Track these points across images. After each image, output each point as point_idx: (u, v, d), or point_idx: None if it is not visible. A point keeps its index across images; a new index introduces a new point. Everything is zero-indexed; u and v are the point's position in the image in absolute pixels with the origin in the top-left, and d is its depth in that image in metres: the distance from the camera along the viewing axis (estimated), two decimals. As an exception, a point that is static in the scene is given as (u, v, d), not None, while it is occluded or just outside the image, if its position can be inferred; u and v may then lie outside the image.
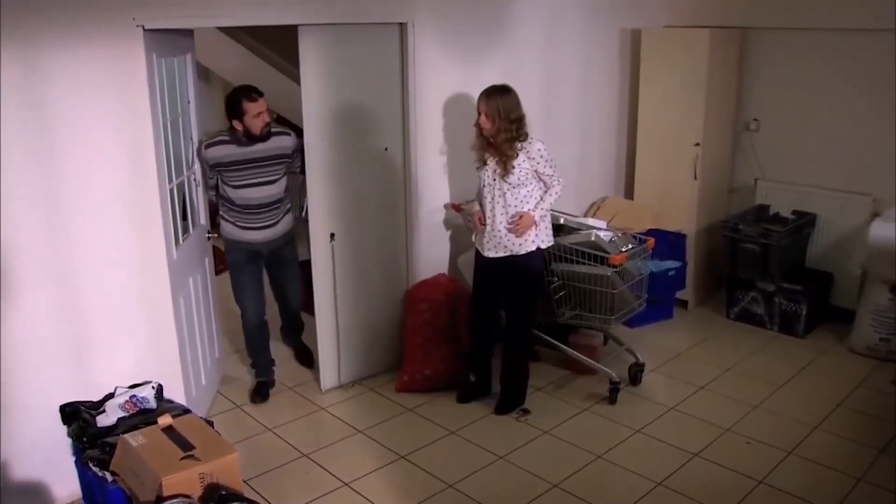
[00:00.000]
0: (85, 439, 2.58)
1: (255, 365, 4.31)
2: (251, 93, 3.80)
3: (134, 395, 2.70)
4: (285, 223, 4.11)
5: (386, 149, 4.21)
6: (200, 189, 4.05)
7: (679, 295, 5.31)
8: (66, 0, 2.95)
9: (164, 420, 2.53)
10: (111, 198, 3.24)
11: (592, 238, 4.08)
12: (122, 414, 2.66)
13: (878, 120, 4.80)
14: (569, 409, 4.09)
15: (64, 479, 3.04)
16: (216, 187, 4.00)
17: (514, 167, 3.69)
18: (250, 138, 3.83)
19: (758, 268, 4.98)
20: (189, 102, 3.93)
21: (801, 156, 5.19)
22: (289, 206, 4.14)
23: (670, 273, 4.97)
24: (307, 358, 4.56)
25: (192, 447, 2.39)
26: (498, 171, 3.73)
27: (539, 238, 3.83)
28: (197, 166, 3.97)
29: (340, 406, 4.18)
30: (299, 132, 4.04)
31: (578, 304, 4.23)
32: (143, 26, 3.15)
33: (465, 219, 4.38)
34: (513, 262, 3.84)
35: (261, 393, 4.25)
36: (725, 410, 4.05)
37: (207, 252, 4.25)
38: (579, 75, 5.07)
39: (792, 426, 3.89)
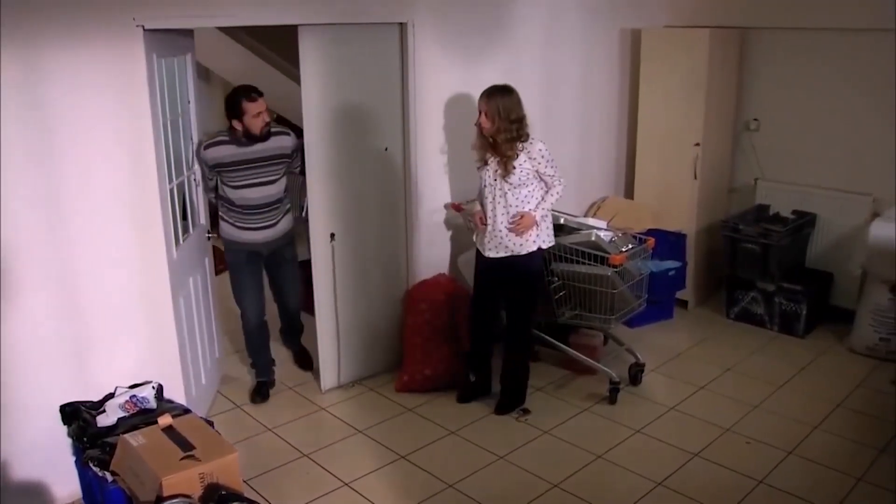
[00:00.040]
0: (85, 439, 2.59)
1: (255, 365, 4.31)
2: (251, 93, 3.80)
3: (134, 395, 2.70)
4: (285, 223, 4.10)
5: (386, 149, 4.21)
6: (200, 189, 4.05)
7: (679, 295, 5.31)
8: (66, 0, 2.95)
9: (165, 420, 2.53)
10: (111, 198, 3.24)
11: (592, 238, 4.08)
12: (122, 414, 2.66)
13: (878, 120, 4.80)
14: (569, 409, 4.09)
15: (64, 479, 3.04)
16: (215, 189, 3.99)
17: (514, 167, 3.69)
18: (250, 138, 3.83)
19: (758, 268, 4.98)
20: (189, 102, 3.93)
21: (801, 156, 5.19)
22: (288, 206, 4.14)
23: (670, 273, 4.97)
24: (306, 361, 4.55)
25: (192, 447, 2.39)
26: (499, 171, 3.73)
27: (540, 238, 3.83)
28: (197, 167, 3.97)
29: (340, 406, 4.18)
30: (299, 132, 4.04)
31: (578, 304, 4.23)
32: (143, 26, 3.15)
33: (465, 219, 4.39)
34: (514, 263, 3.84)
35: (261, 393, 4.25)
36: (725, 410, 4.05)
37: (207, 252, 4.25)
38: (579, 75, 5.07)
39: (792, 426, 3.89)
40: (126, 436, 2.45)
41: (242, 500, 2.31)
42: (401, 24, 4.06)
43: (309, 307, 4.31)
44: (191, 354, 3.80)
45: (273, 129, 3.93)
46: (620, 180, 5.63)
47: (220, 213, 4.03)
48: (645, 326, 5.01)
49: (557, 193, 3.80)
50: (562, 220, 4.25)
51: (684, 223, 5.23)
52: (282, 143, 3.95)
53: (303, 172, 4.12)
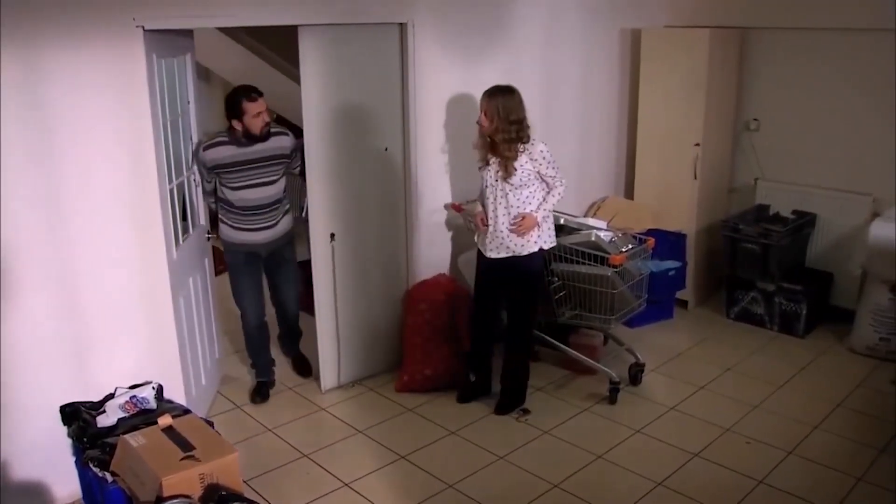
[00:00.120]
0: (85, 439, 2.59)
1: (256, 365, 4.31)
2: (251, 92, 3.79)
3: (134, 396, 2.70)
4: (285, 224, 4.10)
5: (386, 149, 4.21)
6: (200, 190, 4.04)
7: (679, 295, 5.31)
8: (66, 0, 2.95)
9: (165, 420, 2.53)
10: (111, 198, 3.24)
11: (592, 238, 4.08)
12: (122, 414, 2.66)
13: (878, 120, 4.80)
14: (569, 409, 4.09)
15: (64, 479, 3.05)
16: (214, 192, 3.97)
17: (516, 168, 3.69)
18: (250, 138, 3.83)
19: (758, 268, 4.98)
20: (189, 103, 3.93)
21: (801, 156, 5.19)
22: (288, 206, 4.14)
23: (670, 273, 4.97)
24: (305, 367, 4.49)
25: (192, 447, 2.39)
26: (500, 172, 3.73)
27: (541, 239, 3.83)
28: (195, 168, 3.95)
29: (340, 406, 4.18)
30: (299, 132, 4.03)
31: (578, 304, 4.23)
32: (143, 27, 3.15)
33: (465, 219, 4.39)
34: (515, 263, 3.84)
35: (261, 393, 4.25)
36: (725, 410, 4.05)
37: (207, 252, 4.25)
38: (579, 75, 5.07)
39: (792, 426, 3.89)
40: (126, 436, 2.45)
41: (242, 500, 2.31)
42: (401, 24, 4.06)
43: (309, 307, 4.31)
44: (191, 355, 3.80)
45: (272, 130, 3.92)
46: (620, 180, 5.63)
47: (219, 215, 4.02)
48: (645, 326, 5.01)
49: (559, 194, 3.80)
50: (562, 221, 4.25)
51: (684, 223, 5.22)
52: (281, 143, 3.95)
53: (302, 174, 4.11)
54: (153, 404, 2.72)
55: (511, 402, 4.08)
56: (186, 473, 2.30)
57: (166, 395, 2.85)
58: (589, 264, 4.03)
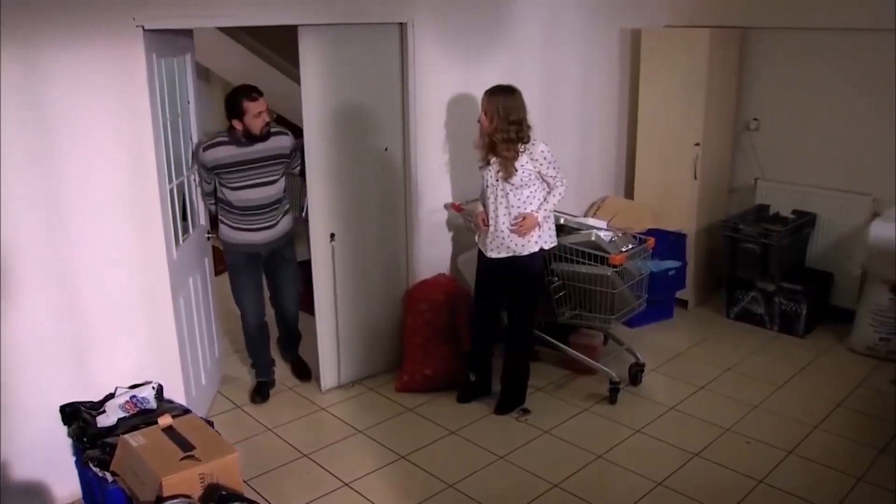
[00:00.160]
0: (85, 439, 2.59)
1: (256, 365, 4.31)
2: (251, 92, 3.79)
3: (134, 396, 2.70)
4: (285, 224, 4.10)
5: (386, 149, 4.21)
6: (199, 191, 4.04)
7: (679, 295, 5.31)
8: (66, 0, 2.95)
9: (165, 420, 2.53)
10: (111, 198, 3.24)
11: (592, 238, 4.08)
12: (122, 414, 2.66)
13: (878, 120, 4.80)
14: (569, 409, 4.09)
15: (64, 479, 3.05)
16: (214, 193, 3.96)
17: (516, 169, 3.69)
18: (250, 138, 3.82)
19: (758, 268, 4.98)
20: (189, 102, 3.93)
21: (801, 156, 5.19)
22: (288, 206, 4.13)
23: (670, 273, 4.97)
24: (304, 372, 4.45)
25: (192, 447, 2.39)
26: (500, 172, 3.73)
27: (542, 239, 3.83)
28: (195, 168, 3.95)
29: (340, 406, 4.18)
30: (299, 132, 4.03)
31: (578, 304, 4.23)
32: (143, 26, 3.15)
33: (465, 219, 4.39)
34: (515, 263, 3.84)
35: (261, 393, 4.24)
36: (725, 410, 4.05)
37: (207, 252, 4.24)
38: (579, 75, 5.07)
39: (792, 426, 3.89)
40: (126, 436, 2.45)
41: (242, 500, 2.31)
42: (401, 24, 4.05)
43: (309, 307, 4.30)
44: (191, 354, 3.80)
45: (272, 129, 3.92)
46: (620, 180, 5.63)
47: (219, 216, 4.01)
48: (645, 326, 5.01)
49: (560, 195, 3.79)
50: (562, 220, 4.25)
51: (684, 223, 5.22)
52: (281, 142, 3.95)
53: (302, 174, 4.11)
54: (153, 404, 2.72)
55: (511, 401, 4.08)
56: (186, 473, 2.30)
57: (166, 395, 2.85)
58: (589, 264, 4.03)
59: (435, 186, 4.43)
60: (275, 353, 4.49)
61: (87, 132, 3.10)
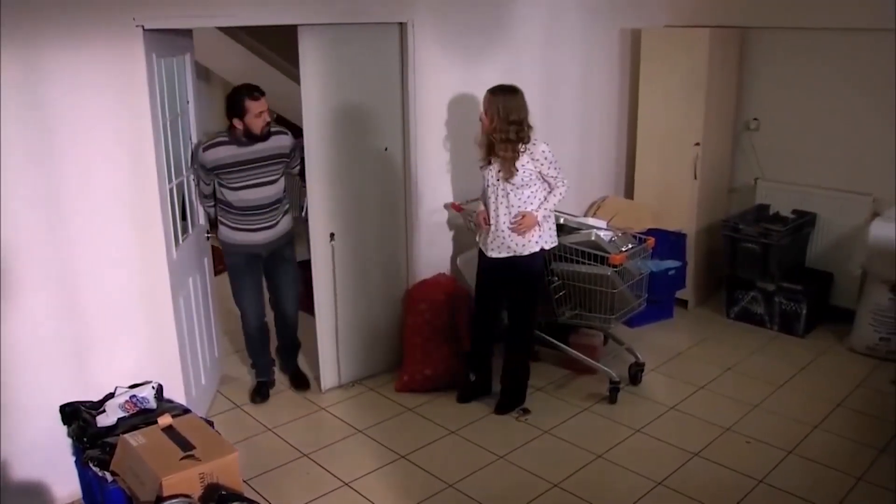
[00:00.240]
0: (85, 439, 2.59)
1: (256, 365, 4.30)
2: (253, 91, 3.77)
3: (134, 395, 2.70)
4: (285, 223, 4.09)
5: (386, 149, 4.21)
6: (196, 193, 4.02)
7: (679, 294, 5.31)
8: (66, 0, 2.95)
9: (164, 420, 2.53)
10: (111, 198, 3.24)
11: (592, 238, 4.08)
12: (122, 414, 2.66)
13: (878, 120, 4.80)
14: (569, 409, 4.09)
15: (64, 479, 3.05)
16: (213, 194, 3.94)
17: (517, 169, 3.69)
18: (250, 138, 3.81)
19: (758, 267, 4.98)
20: (188, 102, 3.93)
21: (801, 156, 5.19)
22: (287, 206, 4.13)
23: (670, 273, 4.97)
24: (303, 383, 4.37)
25: (192, 447, 2.39)
26: (501, 172, 3.73)
27: (542, 239, 3.83)
28: (194, 169, 3.94)
29: (340, 406, 4.18)
30: (299, 132, 4.03)
31: (578, 304, 4.23)
32: (142, 26, 3.15)
33: (465, 219, 4.39)
34: (516, 263, 3.84)
35: (261, 393, 4.24)
36: (725, 410, 4.05)
37: (207, 252, 4.25)
38: (579, 75, 5.07)
39: (792, 426, 3.89)
40: (126, 436, 2.45)
41: (242, 500, 2.31)
42: (401, 24, 4.06)
43: (309, 307, 4.30)
44: (191, 354, 3.80)
45: (272, 129, 3.91)
46: (620, 180, 5.63)
47: (218, 217, 4.00)
48: (645, 326, 5.01)
49: (560, 195, 3.79)
50: (562, 220, 4.25)
51: (684, 223, 5.23)
52: (280, 142, 3.94)
53: (301, 174, 4.11)
54: (153, 404, 2.72)
55: (511, 401, 4.08)
56: (186, 473, 2.30)
57: (166, 394, 2.85)
58: (589, 264, 4.03)
59: (435, 186, 4.43)
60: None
61: (87, 132, 3.10)
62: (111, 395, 2.74)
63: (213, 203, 3.99)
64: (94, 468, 2.48)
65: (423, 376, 4.24)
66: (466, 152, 4.20)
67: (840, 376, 4.40)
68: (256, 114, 3.76)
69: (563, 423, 3.95)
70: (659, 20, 5.36)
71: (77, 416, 2.68)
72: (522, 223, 3.74)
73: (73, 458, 2.70)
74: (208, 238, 4.22)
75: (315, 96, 3.89)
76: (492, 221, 3.83)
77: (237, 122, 3.80)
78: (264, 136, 3.84)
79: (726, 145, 5.42)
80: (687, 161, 5.13)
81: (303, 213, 4.18)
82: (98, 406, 2.70)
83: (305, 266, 4.22)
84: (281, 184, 4.01)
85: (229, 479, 2.38)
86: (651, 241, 4.19)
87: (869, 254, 4.56)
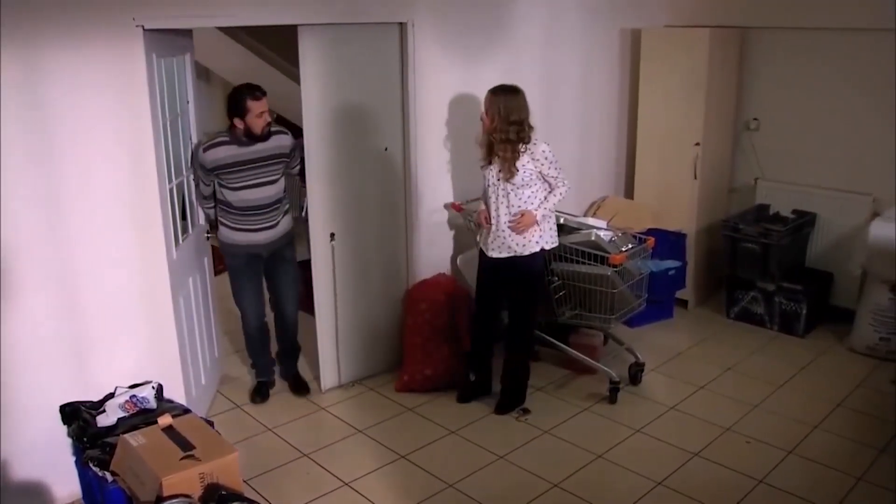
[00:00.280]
0: (85, 439, 2.59)
1: (256, 365, 4.30)
2: (255, 91, 3.75)
3: (134, 395, 2.70)
4: (285, 223, 4.08)
5: (386, 149, 4.21)
6: (197, 194, 4.02)
7: (679, 294, 5.31)
8: (66, 0, 2.95)
9: (164, 420, 2.53)
10: (111, 198, 3.24)
11: (592, 238, 4.08)
12: (122, 414, 2.66)
13: (878, 120, 4.80)
14: (569, 409, 4.09)
15: (64, 479, 3.04)
16: (213, 195, 3.93)
17: (517, 169, 3.69)
18: (251, 138, 3.81)
19: (758, 267, 4.98)
20: (188, 102, 3.93)
21: (801, 156, 5.19)
22: (288, 206, 4.13)
23: (670, 273, 4.97)
24: (302, 389, 4.33)
25: (192, 447, 2.39)
26: (502, 172, 3.73)
27: (543, 239, 3.83)
28: (194, 170, 3.94)
29: (340, 406, 4.18)
30: (299, 132, 4.03)
31: (578, 304, 4.23)
32: (142, 26, 3.15)
33: (465, 218, 4.39)
34: (516, 263, 3.84)
35: (261, 393, 4.24)
36: (725, 410, 4.05)
37: (207, 252, 4.25)
38: (579, 75, 5.07)
39: (792, 426, 3.89)
40: (126, 436, 2.45)
41: (242, 500, 2.31)
42: (401, 24, 4.06)
43: (309, 307, 4.30)
44: (191, 354, 3.80)
45: (272, 129, 3.91)
46: (620, 180, 5.63)
47: (218, 218, 3.99)
48: (645, 326, 5.01)
49: (560, 195, 3.79)
50: (562, 220, 4.25)
51: (684, 223, 5.23)
52: (280, 142, 3.93)
53: (301, 174, 4.10)
54: (153, 404, 2.72)
55: (511, 401, 4.08)
56: (186, 473, 2.30)
57: (166, 394, 2.85)
58: (589, 264, 4.03)
59: (435, 186, 4.43)
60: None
61: (87, 132, 3.10)
62: (111, 395, 2.74)
63: (212, 205, 3.98)
64: (94, 468, 2.48)
65: (423, 376, 4.24)
66: (467, 152, 4.20)
67: (840, 376, 4.40)
68: (258, 114, 3.76)
69: (563, 423, 3.95)
70: (659, 20, 5.36)
71: (77, 416, 2.68)
72: (521, 221, 3.74)
73: (73, 458, 2.70)
74: (208, 238, 4.22)
75: (315, 96, 3.89)
76: (492, 221, 3.83)
77: (238, 122, 3.79)
78: (265, 136, 3.83)
79: (726, 145, 5.42)
80: (687, 161, 5.13)
81: (303, 213, 4.18)
82: (98, 406, 2.70)
83: (305, 266, 4.22)
84: (281, 184, 4.00)
85: (229, 479, 2.38)
86: (651, 241, 4.19)
87: (869, 254, 4.56)
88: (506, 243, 3.81)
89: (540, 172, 3.74)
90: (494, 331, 4.13)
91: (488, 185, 3.83)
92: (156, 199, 3.36)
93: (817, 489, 3.37)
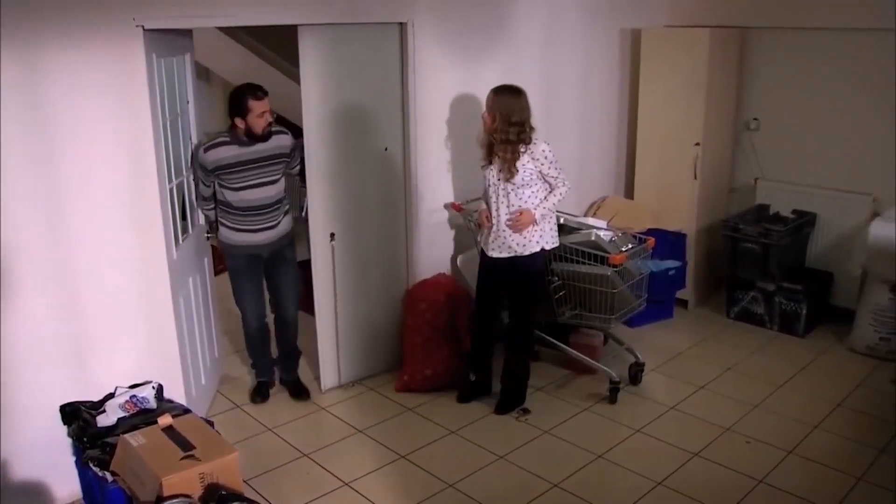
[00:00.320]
0: (85, 439, 2.59)
1: (256, 365, 4.30)
2: (257, 91, 3.74)
3: (134, 395, 2.70)
4: (285, 224, 4.08)
5: (386, 149, 4.21)
6: (197, 195, 4.02)
7: (679, 294, 5.31)
8: (66, 0, 2.95)
9: (165, 420, 2.53)
10: (111, 198, 3.24)
11: (592, 238, 4.08)
12: (122, 414, 2.66)
13: (878, 120, 4.80)
14: (569, 409, 4.09)
15: (64, 479, 3.04)
16: (213, 196, 3.92)
17: (517, 169, 3.69)
18: (251, 137, 3.80)
19: (758, 267, 4.98)
20: (188, 102, 3.93)
21: (801, 156, 5.19)
22: (288, 206, 4.13)
23: (670, 273, 4.97)
24: (302, 393, 4.29)
25: (192, 447, 2.39)
26: (502, 172, 3.73)
27: (543, 239, 3.83)
28: (194, 170, 3.93)
29: (340, 406, 4.18)
30: (299, 132, 4.03)
31: (578, 304, 4.23)
32: (143, 26, 3.15)
33: (465, 218, 4.39)
34: (517, 263, 3.84)
35: (261, 393, 4.24)
36: (725, 410, 4.05)
37: (207, 252, 4.25)
38: (579, 75, 5.07)
39: (792, 426, 3.89)
40: (126, 436, 2.45)
41: (242, 500, 2.31)
42: (401, 24, 4.06)
43: (309, 307, 4.30)
44: (191, 354, 3.80)
45: (273, 129, 3.90)
46: (620, 180, 5.63)
47: (219, 218, 3.98)
48: (645, 326, 5.01)
49: (560, 195, 3.79)
50: (562, 220, 4.25)
51: (684, 223, 5.23)
52: (281, 142, 3.93)
53: (301, 174, 4.10)
54: (153, 404, 2.72)
55: (511, 401, 4.08)
56: (186, 473, 2.30)
57: (166, 394, 2.85)
58: (589, 264, 4.03)
59: (435, 186, 4.43)
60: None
61: (87, 132, 3.10)
62: (111, 395, 2.74)
63: (212, 206, 3.98)
64: (94, 468, 2.48)
65: (423, 376, 4.24)
66: (467, 152, 4.20)
67: (840, 376, 4.40)
68: (259, 113, 3.75)
69: (563, 423, 3.95)
70: (659, 20, 5.36)
71: (77, 416, 2.68)
72: (519, 219, 3.73)
73: (73, 458, 2.70)
74: (208, 238, 4.22)
75: (315, 96, 3.89)
76: (493, 221, 3.83)
77: (239, 122, 3.78)
78: (265, 136, 3.83)
79: (726, 145, 5.42)
80: (687, 161, 5.13)
81: (303, 214, 4.17)
82: (98, 406, 2.70)
83: (305, 266, 4.21)
84: (282, 184, 4.00)
85: (229, 479, 2.38)
86: (651, 241, 4.19)
87: (869, 254, 4.56)
88: (506, 243, 3.81)
89: (540, 172, 3.74)
90: (494, 331, 4.13)
91: (489, 185, 3.83)
92: (156, 200, 3.36)
93: (817, 489, 3.37)
